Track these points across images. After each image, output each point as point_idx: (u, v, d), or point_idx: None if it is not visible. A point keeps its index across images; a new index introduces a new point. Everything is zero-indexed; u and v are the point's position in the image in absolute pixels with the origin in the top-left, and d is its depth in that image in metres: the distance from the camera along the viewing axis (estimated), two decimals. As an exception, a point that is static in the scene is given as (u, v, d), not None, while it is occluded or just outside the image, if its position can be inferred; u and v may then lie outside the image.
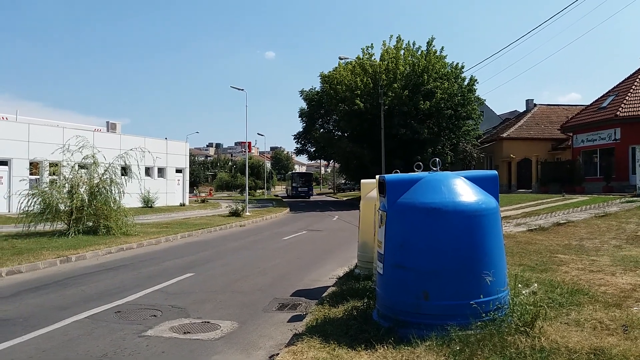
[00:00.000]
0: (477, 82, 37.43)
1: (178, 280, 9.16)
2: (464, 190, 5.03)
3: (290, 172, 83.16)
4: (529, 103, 44.60)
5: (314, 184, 78.17)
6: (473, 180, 5.21)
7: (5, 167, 24.99)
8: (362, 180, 8.80)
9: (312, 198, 59.35)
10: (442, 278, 4.78)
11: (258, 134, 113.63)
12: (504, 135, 39.54)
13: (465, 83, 37.04)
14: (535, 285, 6.26)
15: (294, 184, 62.93)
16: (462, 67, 37.29)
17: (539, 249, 10.59)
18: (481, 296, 4.68)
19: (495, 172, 5.53)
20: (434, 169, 5.43)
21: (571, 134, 34.00)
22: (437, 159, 5.57)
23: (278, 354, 4.78)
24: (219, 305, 7.33)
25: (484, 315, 4.62)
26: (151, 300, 7.56)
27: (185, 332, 5.89)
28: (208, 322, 6.35)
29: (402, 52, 37.23)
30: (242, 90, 30.36)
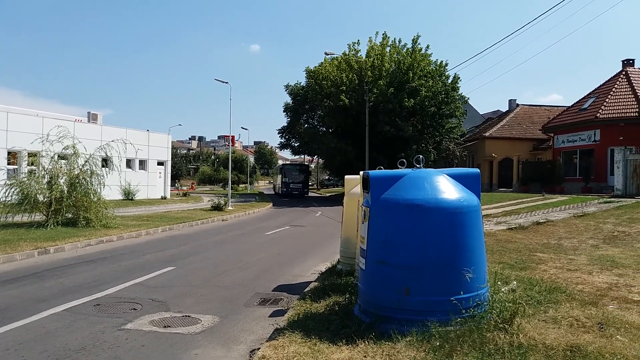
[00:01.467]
0: (461, 81, 37.81)
1: (159, 274, 9.08)
2: (446, 187, 5.08)
3: (279, 164, 63.90)
4: (512, 103, 45.14)
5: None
6: (455, 177, 5.26)
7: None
8: (346, 177, 8.80)
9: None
10: (423, 274, 4.81)
11: (242, 127, 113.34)
12: (487, 134, 39.96)
13: (449, 81, 37.30)
14: (515, 282, 6.38)
15: (284, 179, 47.35)
16: (447, 65, 37.62)
17: (518, 248, 10.74)
18: (461, 292, 4.73)
19: (478, 170, 5.59)
20: (418, 166, 5.46)
21: (552, 135, 34.52)
22: (421, 156, 5.60)
23: (259, 348, 4.77)
24: (200, 299, 7.28)
25: (463, 311, 4.67)
26: (131, 294, 7.48)
27: (165, 326, 5.85)
28: (189, 316, 6.31)
29: (388, 49, 37.31)
30: (226, 83, 30.15)
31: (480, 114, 56.87)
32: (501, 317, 4.71)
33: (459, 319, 4.62)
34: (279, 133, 52.36)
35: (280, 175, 48.81)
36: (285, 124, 50.53)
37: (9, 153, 24.94)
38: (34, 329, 5.69)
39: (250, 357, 4.77)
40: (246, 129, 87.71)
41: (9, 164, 24.38)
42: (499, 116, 47.05)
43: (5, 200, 14.83)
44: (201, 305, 6.87)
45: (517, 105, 44.39)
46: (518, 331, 4.54)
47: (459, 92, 38.26)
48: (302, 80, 46.09)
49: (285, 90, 47.92)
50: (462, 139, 41.74)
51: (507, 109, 46.11)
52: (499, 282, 5.68)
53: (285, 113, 49.64)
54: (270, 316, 6.30)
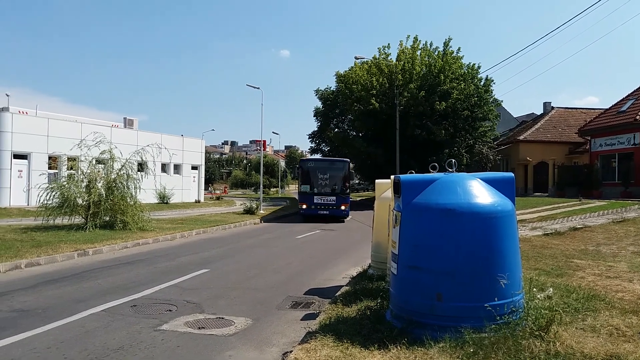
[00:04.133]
0: (494, 83, 37.17)
1: (193, 276, 9.25)
2: (479, 191, 5.02)
3: (302, 160, 29.53)
4: (547, 106, 44.12)
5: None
6: (489, 182, 5.20)
7: (25, 161, 25.39)
8: (377, 181, 8.79)
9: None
10: (456, 279, 4.77)
11: (273, 132, 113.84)
12: (521, 137, 39.15)
13: (482, 84, 36.79)
14: (551, 289, 6.23)
15: (305, 187, 24.73)
16: (479, 67, 37.03)
17: (554, 254, 10.49)
18: (495, 299, 4.67)
19: (512, 174, 5.51)
20: (450, 170, 5.42)
21: (589, 138, 33.55)
22: (453, 160, 5.56)
23: (291, 351, 4.81)
24: (233, 301, 7.39)
25: (498, 318, 4.60)
26: (166, 295, 7.65)
27: (200, 327, 5.96)
28: (222, 317, 6.41)
29: (418, 52, 37.05)
30: (257, 88, 30.46)
31: (514, 117, 55.78)
32: (537, 325, 4.62)
33: (493, 326, 4.56)
34: (309, 137, 52.58)
35: (300, 180, 25.16)
36: (316, 129, 50.71)
37: (50, 157, 25.84)
38: (74, 328, 5.89)
39: (283, 359, 4.82)
40: (277, 134, 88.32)
41: (49, 168, 25.27)
42: (533, 119, 46.03)
43: (46, 204, 15.36)
44: (234, 308, 6.96)
45: (552, 108, 43.34)
46: (555, 339, 4.44)
47: (492, 95, 37.67)
48: (332, 84, 46.23)
49: (315, 94, 48.12)
50: (495, 143, 41.03)
51: (542, 111, 45.07)
52: (535, 289, 5.56)
53: (315, 117, 49.84)
54: (302, 319, 6.34)
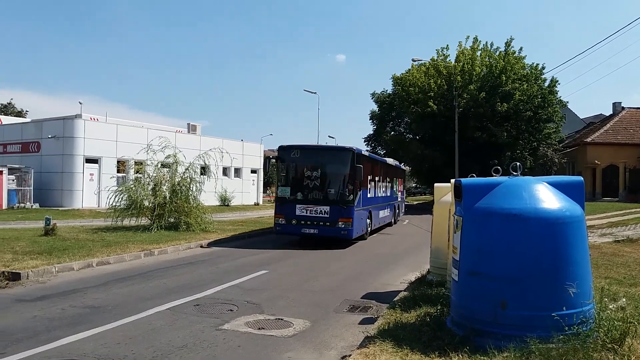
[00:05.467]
0: (559, 84, 35.67)
1: (253, 277, 9.44)
2: (546, 196, 4.84)
3: (282, 148, 15.23)
4: (617, 106, 41.81)
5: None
6: (556, 186, 4.99)
7: (96, 165, 26.82)
8: (436, 184, 8.66)
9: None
10: (521, 287, 4.61)
11: (329, 136, 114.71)
12: (588, 139, 37.32)
13: (546, 84, 35.42)
14: (624, 299, 5.89)
15: (295, 191, 14.57)
16: (543, 68, 35.69)
17: (626, 262, 9.92)
18: (564, 308, 4.48)
19: (581, 178, 5.26)
20: (514, 173, 5.25)
21: (665, 139, 31.51)
22: (518, 163, 5.38)
23: (350, 355, 4.81)
24: (291, 303, 7.48)
25: (566, 328, 4.41)
26: (228, 295, 7.85)
27: (259, 328, 6.08)
28: (281, 319, 6.50)
29: (478, 53, 36.21)
30: (314, 93, 30.79)
31: (581, 118, 53.23)
32: (609, 337, 4.38)
33: (561, 337, 4.36)
34: (365, 141, 52.39)
35: (278, 179, 15.83)
36: (372, 132, 50.48)
37: (118, 161, 27.20)
38: (141, 325, 6.15)
39: (342, 363, 4.83)
40: (333, 138, 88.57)
41: (118, 171, 26.59)
42: (601, 120, 43.74)
43: (115, 206, 16.16)
44: (293, 309, 7.05)
45: (623, 108, 41.01)
46: (629, 353, 4.20)
47: (557, 96, 36.15)
48: (388, 87, 45.87)
49: (372, 98, 47.92)
50: (560, 145, 39.32)
51: (611, 112, 42.76)
52: (606, 299, 5.28)
53: (371, 121, 49.64)
54: (360, 323, 6.32)
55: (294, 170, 14.98)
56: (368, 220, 16.26)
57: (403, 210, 26.68)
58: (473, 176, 6.82)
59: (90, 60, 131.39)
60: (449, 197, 7.00)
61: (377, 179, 17.92)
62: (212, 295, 7.88)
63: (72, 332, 5.71)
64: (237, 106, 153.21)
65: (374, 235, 17.45)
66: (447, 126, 33.90)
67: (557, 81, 35.49)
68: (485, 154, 33.35)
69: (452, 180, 6.26)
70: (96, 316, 6.48)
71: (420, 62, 36.16)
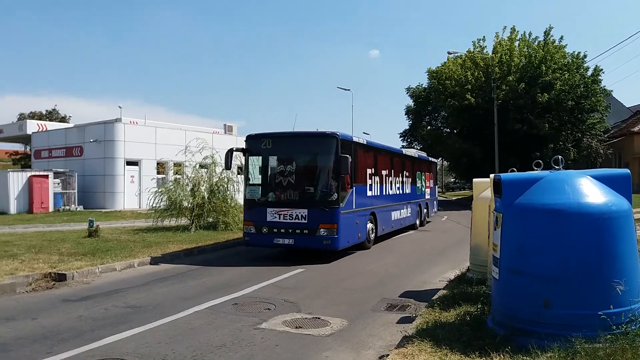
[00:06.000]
0: (603, 72, 34.33)
1: (290, 275, 9.48)
2: (590, 190, 4.64)
3: (250, 137, 12.56)
4: (667, 92, 39.92)
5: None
6: (601, 179, 4.79)
7: (136, 167, 27.52)
8: (475, 180, 8.46)
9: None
10: (565, 285, 4.45)
11: (364, 133, 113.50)
12: (636, 129, 35.85)
13: (589, 73, 34.15)
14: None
15: (266, 190, 12.04)
16: (585, 56, 34.42)
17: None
18: (611, 307, 4.30)
19: (627, 170, 5.03)
20: (556, 167, 5.06)
21: None
22: (560, 157, 5.18)
23: (388, 355, 4.76)
24: (328, 301, 7.46)
25: (614, 327, 4.23)
26: (265, 294, 7.90)
27: (297, 327, 6.08)
28: (319, 318, 6.49)
29: (516, 43, 35.24)
30: (348, 90, 30.67)
31: (627, 107, 51.08)
32: (661, 337, 4.17)
33: (608, 336, 4.18)
34: (400, 136, 51.95)
35: (246, 176, 12.52)
36: (407, 127, 49.98)
37: (158, 163, 27.84)
38: (181, 324, 6.26)
39: (380, 363, 4.77)
40: (368, 134, 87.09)
41: (158, 173, 27.22)
42: (650, 108, 41.91)
43: (155, 207, 16.54)
44: (330, 308, 7.02)
45: (674, 94, 39.15)
46: (683, 353, 3.98)
47: (601, 85, 34.81)
48: (424, 81, 45.31)
49: (407, 92, 47.43)
50: (606, 136, 37.87)
51: (661, 99, 40.88)
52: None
53: (406, 116, 49.16)
54: (397, 322, 6.24)
55: (265, 165, 12.29)
56: (370, 225, 13.28)
57: (435, 209, 23.44)
58: (513, 171, 6.63)
59: (129, 64, 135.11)
60: (489, 192, 6.83)
61: (385, 172, 14.91)
62: (250, 294, 7.95)
63: (115, 331, 5.87)
64: (272, 105, 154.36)
65: (388, 240, 15.21)
66: (485, 119, 33.17)
67: (601, 69, 34.20)
68: (526, 147, 32.40)
69: (492, 176, 6.09)
70: (138, 315, 6.63)
71: (456, 54, 35.52)
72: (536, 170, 5.34)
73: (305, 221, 11.07)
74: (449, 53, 34.87)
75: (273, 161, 12.21)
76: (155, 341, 5.55)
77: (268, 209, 11.42)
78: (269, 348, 5.35)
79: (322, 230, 10.96)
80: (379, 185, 14.26)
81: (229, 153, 12.25)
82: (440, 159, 58.08)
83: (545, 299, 4.46)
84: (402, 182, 16.88)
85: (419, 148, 49.15)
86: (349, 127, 40.86)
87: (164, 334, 5.84)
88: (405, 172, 17.31)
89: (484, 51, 35.88)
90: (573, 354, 4.11)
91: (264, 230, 11.44)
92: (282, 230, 11.26)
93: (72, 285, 8.65)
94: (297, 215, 11.16)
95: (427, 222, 20.99)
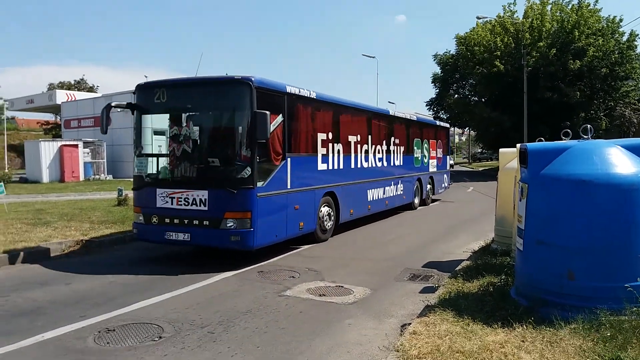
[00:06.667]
0: (639, 38, 32.93)
1: (314, 245, 9.57)
2: (619, 160, 4.53)
3: (140, 87, 9.13)
4: None
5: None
6: (631, 149, 4.67)
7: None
8: (501, 150, 8.33)
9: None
10: (590, 257, 4.41)
11: (389, 102, 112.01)
12: (673, 96, 34.44)
13: (624, 39, 32.82)
14: None
15: (157, 165, 9.07)
16: (621, 21, 33.03)
17: None
18: (638, 279, 4.24)
19: (660, 140, 4.88)
20: (585, 137, 4.94)
21: None
22: (589, 126, 5.06)
23: (410, 323, 4.81)
24: (351, 270, 7.55)
25: (640, 300, 4.18)
26: (290, 262, 8.04)
27: (320, 295, 6.18)
28: (342, 286, 6.58)
29: (549, 7, 34.04)
30: (373, 57, 30.20)
31: (665, 73, 49.05)
32: (689, 310, 4.11)
33: (634, 309, 4.15)
34: (426, 105, 51.08)
35: (136, 141, 9.61)
36: (434, 96, 49.09)
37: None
38: (208, 291, 6.43)
39: (402, 331, 4.83)
40: (393, 103, 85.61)
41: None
42: (689, 74, 40.11)
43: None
44: (353, 277, 7.11)
45: None
46: None
47: (637, 51, 33.45)
48: (452, 48, 44.23)
49: (434, 59, 46.36)
50: (640, 104, 36.63)
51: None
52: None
53: (433, 84, 48.23)
54: (420, 292, 6.28)
55: (158, 126, 9.41)
56: (325, 209, 9.99)
57: (445, 184, 19.25)
58: (542, 140, 6.50)
59: (155, 32, 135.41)
60: (515, 163, 6.73)
61: (355, 139, 11.46)
62: (275, 262, 8.09)
63: (144, 297, 6.07)
64: (298, 72, 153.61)
65: (362, 228, 11.92)
66: (515, 87, 32.37)
67: (637, 35, 32.82)
68: (557, 115, 31.60)
69: (518, 145, 5.99)
70: (166, 282, 6.82)
71: (486, 19, 34.50)
72: (564, 139, 5.22)
73: (205, 207, 7.64)
74: (478, 18, 33.90)
75: (167, 121, 8.96)
76: (184, 307, 5.72)
77: (158, 190, 8.04)
78: (293, 315, 5.47)
79: (228, 221, 7.49)
80: (342, 156, 10.77)
81: (106, 110, 8.99)
82: (467, 128, 57.19)
83: (569, 271, 4.42)
84: (388, 151, 13.48)
85: (445, 117, 48.45)
86: (374, 95, 40.34)
87: (193, 300, 6.01)
88: (394, 139, 13.86)
89: (515, 16, 34.76)
90: (598, 325, 4.10)
91: (154, 220, 8.04)
92: (176, 221, 7.83)
93: (102, 252, 8.94)
94: (194, 199, 7.70)
95: (433, 200, 17.67)
